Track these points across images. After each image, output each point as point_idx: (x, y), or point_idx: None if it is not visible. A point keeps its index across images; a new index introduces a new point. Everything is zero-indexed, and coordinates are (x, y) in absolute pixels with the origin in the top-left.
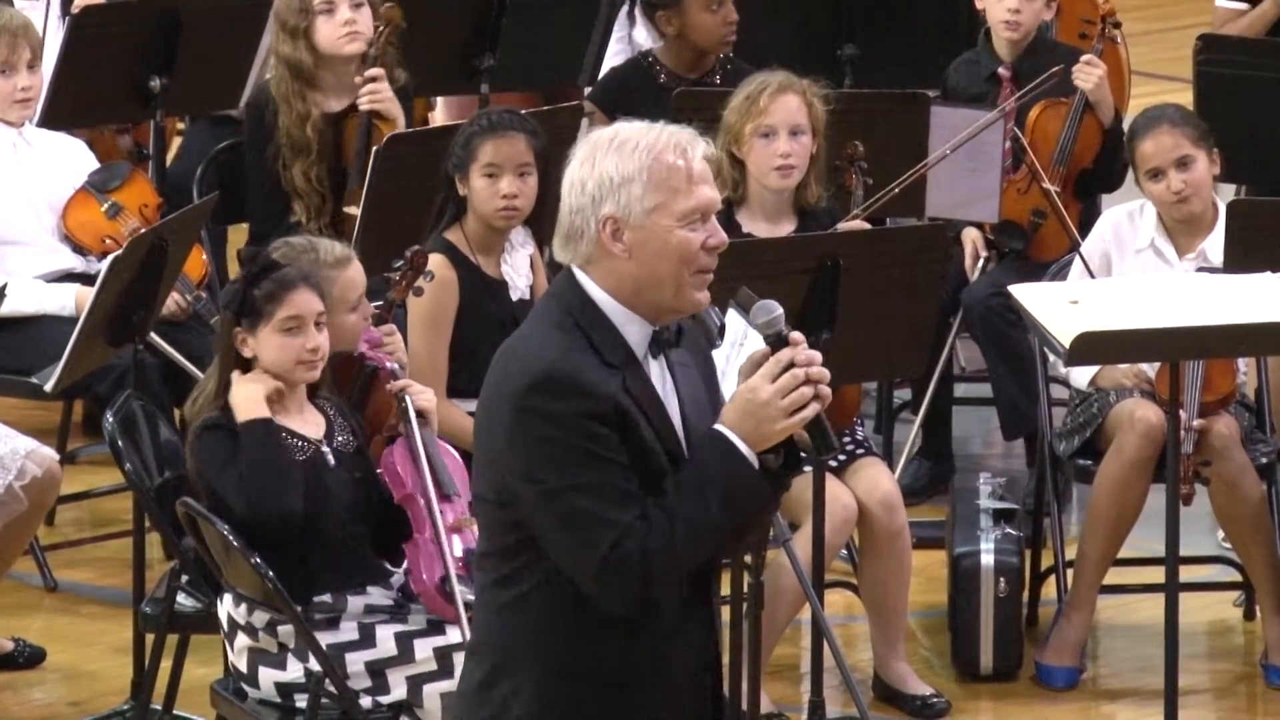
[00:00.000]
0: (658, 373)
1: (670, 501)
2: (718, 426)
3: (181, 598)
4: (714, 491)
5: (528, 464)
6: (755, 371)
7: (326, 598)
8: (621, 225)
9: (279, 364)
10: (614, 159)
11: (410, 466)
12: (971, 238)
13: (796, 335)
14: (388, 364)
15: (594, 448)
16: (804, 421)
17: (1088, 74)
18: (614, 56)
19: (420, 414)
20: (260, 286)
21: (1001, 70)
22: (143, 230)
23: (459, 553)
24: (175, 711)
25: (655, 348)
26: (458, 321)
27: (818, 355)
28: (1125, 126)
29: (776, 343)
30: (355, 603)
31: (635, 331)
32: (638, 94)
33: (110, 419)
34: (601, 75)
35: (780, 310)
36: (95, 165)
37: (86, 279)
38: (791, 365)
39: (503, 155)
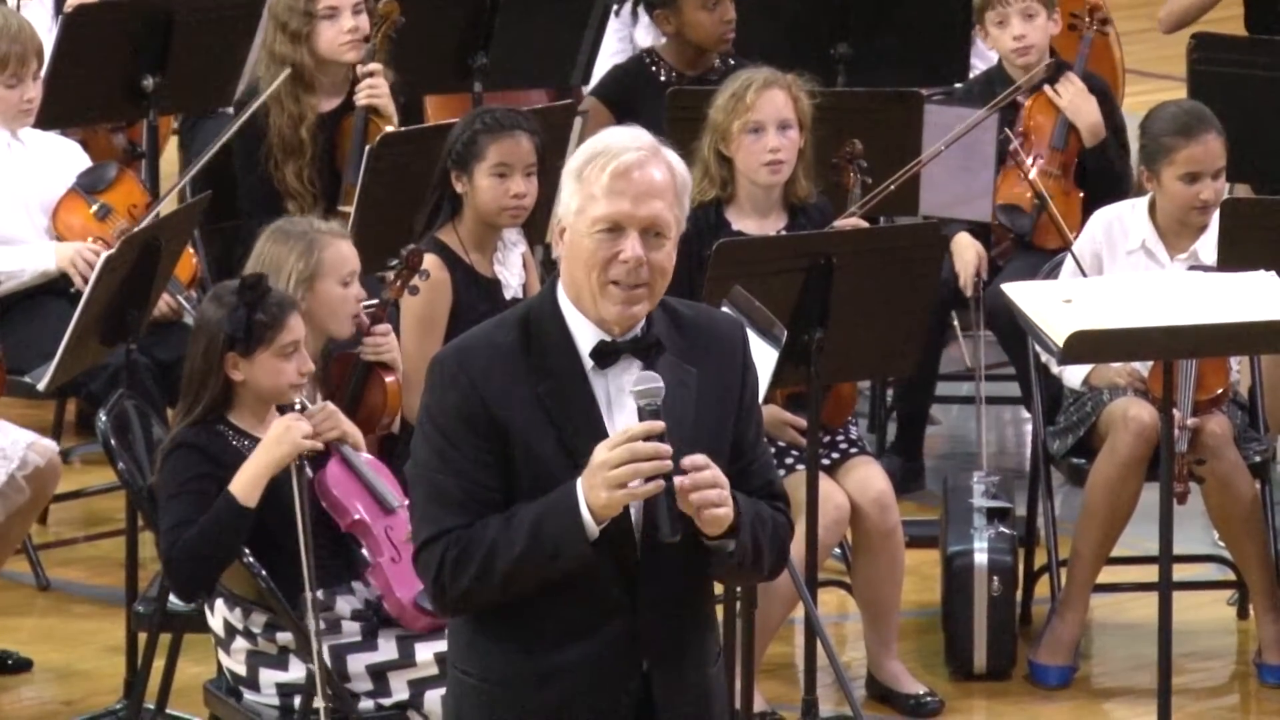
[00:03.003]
0: (620, 385)
1: (494, 524)
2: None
3: (174, 597)
4: (531, 531)
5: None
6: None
7: (318, 593)
8: (564, 225)
9: (275, 388)
10: (569, 161)
11: (349, 493)
12: (976, 251)
13: (658, 424)
14: (297, 401)
15: (445, 445)
16: (631, 498)
17: (1063, 90)
18: (615, 55)
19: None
20: (260, 312)
21: (1020, 97)
22: (132, 231)
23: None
24: (168, 711)
25: (606, 359)
26: (451, 321)
27: (666, 449)
28: (1137, 123)
29: (650, 416)
30: (343, 603)
31: (586, 338)
32: (640, 91)
33: (103, 418)
34: (605, 72)
35: (660, 383)
36: (88, 165)
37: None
38: (637, 441)
39: (513, 155)
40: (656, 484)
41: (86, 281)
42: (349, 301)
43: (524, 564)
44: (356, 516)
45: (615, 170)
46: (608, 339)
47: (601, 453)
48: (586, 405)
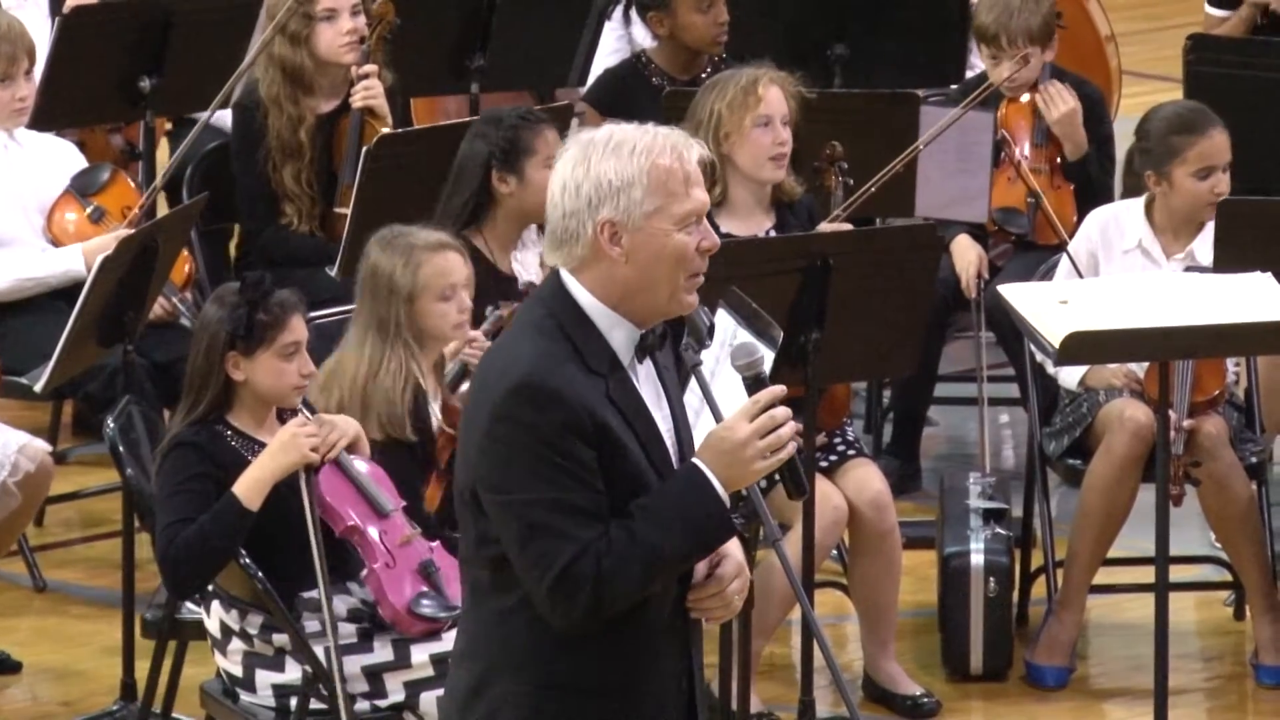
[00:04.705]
0: (646, 377)
1: (635, 526)
2: (695, 460)
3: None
4: (680, 524)
5: (496, 473)
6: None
7: (314, 593)
8: (620, 229)
9: (276, 389)
10: (611, 162)
11: (342, 498)
12: (977, 252)
13: (780, 389)
14: (300, 405)
15: (563, 462)
16: (777, 464)
17: (1051, 101)
18: (612, 55)
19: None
20: (262, 311)
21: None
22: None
23: (414, 566)
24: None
25: (640, 352)
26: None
27: (789, 411)
28: (1133, 125)
29: (754, 385)
30: (339, 603)
31: (621, 336)
32: (632, 95)
33: (111, 425)
34: (597, 75)
35: (761, 352)
36: (85, 166)
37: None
38: (769, 408)
39: (555, 146)
40: (793, 444)
41: None
42: (448, 315)
43: (685, 557)
44: (351, 522)
45: (697, 164)
46: (643, 332)
47: (743, 427)
48: (640, 399)
